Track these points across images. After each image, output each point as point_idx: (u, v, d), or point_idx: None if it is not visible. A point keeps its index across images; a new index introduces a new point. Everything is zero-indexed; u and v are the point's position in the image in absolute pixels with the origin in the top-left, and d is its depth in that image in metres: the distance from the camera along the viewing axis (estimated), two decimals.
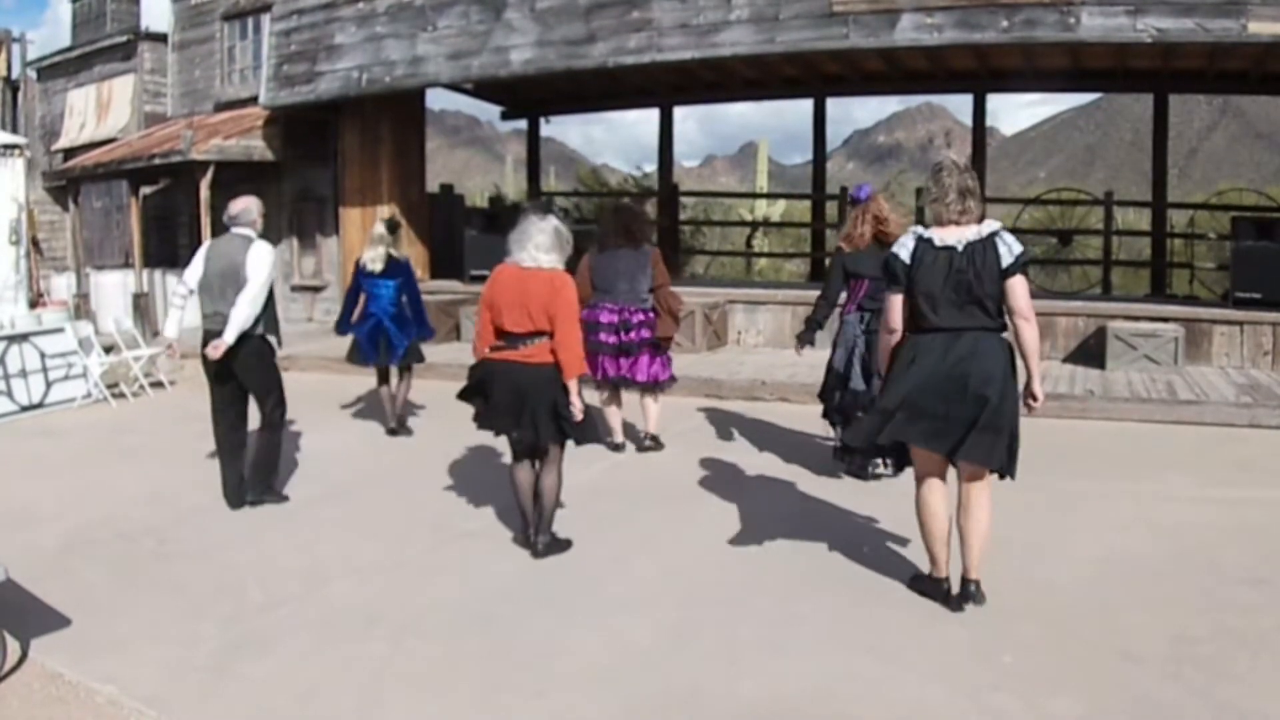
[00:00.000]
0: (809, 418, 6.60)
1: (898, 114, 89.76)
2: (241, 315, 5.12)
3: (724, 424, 7.27)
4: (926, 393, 3.57)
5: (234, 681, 3.26)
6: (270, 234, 15.00)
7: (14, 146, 9.26)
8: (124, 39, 15.38)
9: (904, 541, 4.47)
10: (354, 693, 3.17)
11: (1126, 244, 14.43)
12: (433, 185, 14.94)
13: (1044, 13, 8.13)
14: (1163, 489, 5.41)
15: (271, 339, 5.45)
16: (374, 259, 6.89)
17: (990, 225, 3.65)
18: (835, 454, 5.82)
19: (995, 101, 71.29)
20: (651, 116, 15.56)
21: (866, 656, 3.36)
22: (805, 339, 5.82)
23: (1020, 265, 3.58)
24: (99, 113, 15.78)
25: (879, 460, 5.36)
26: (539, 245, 4.36)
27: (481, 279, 4.69)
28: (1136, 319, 9.07)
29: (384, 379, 7.12)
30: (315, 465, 6.19)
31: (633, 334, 6.21)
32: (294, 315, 13.09)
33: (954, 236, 3.61)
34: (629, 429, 6.57)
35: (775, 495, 5.36)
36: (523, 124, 16.91)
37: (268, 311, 5.34)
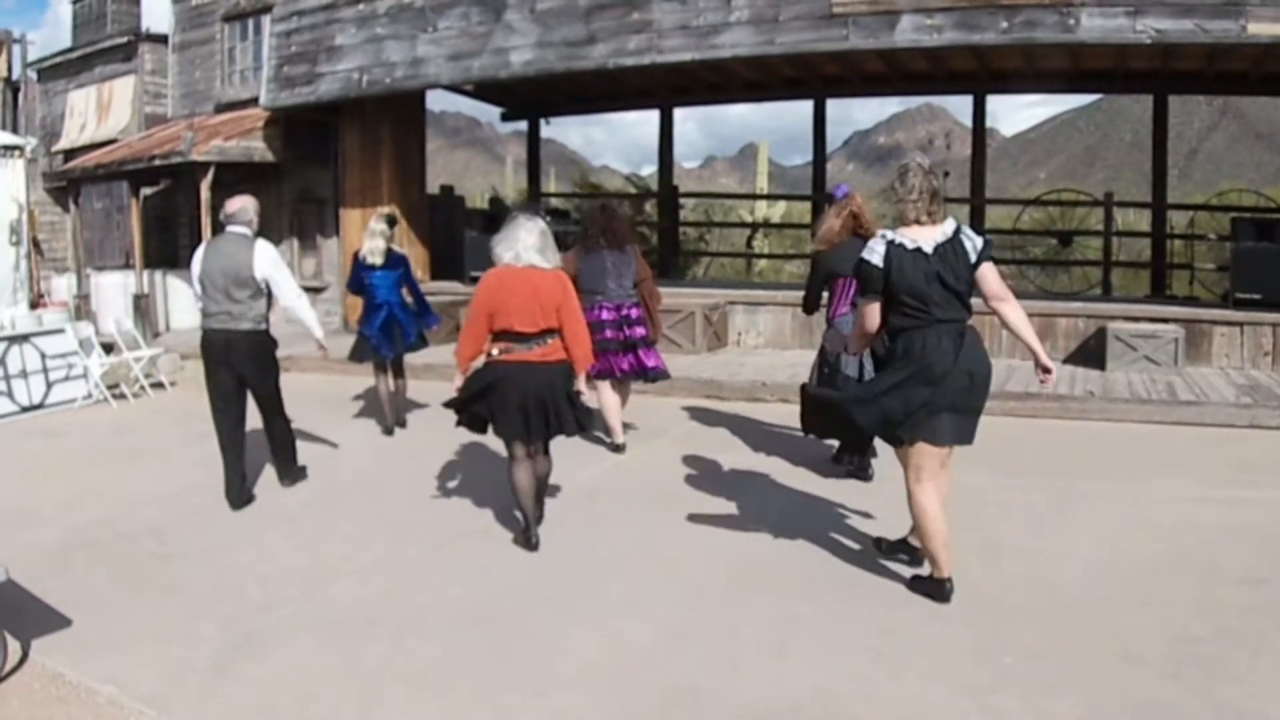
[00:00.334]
0: None
1: (898, 115, 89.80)
2: (305, 313, 5.50)
3: (725, 425, 7.28)
4: (945, 391, 3.66)
5: (234, 681, 3.26)
6: (270, 235, 14.99)
7: (14, 147, 9.26)
8: (124, 40, 15.39)
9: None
10: (354, 693, 3.17)
11: (1126, 245, 14.43)
12: (433, 186, 14.94)
13: (1044, 14, 8.13)
14: (1163, 489, 5.41)
15: (274, 334, 5.53)
16: (373, 251, 6.99)
17: (951, 225, 3.75)
18: (835, 456, 5.83)
19: (995, 102, 71.29)
20: (651, 118, 15.60)
21: (866, 656, 3.36)
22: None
23: (986, 255, 3.71)
24: (99, 114, 15.79)
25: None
26: (531, 246, 4.45)
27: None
28: (1136, 320, 9.07)
29: (382, 371, 7.19)
30: (315, 465, 6.19)
31: (635, 329, 6.32)
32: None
33: (923, 238, 3.69)
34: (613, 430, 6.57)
35: (776, 496, 5.36)
36: (523, 125, 16.92)
37: (269, 307, 5.41)
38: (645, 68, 10.12)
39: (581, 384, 4.57)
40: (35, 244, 10.86)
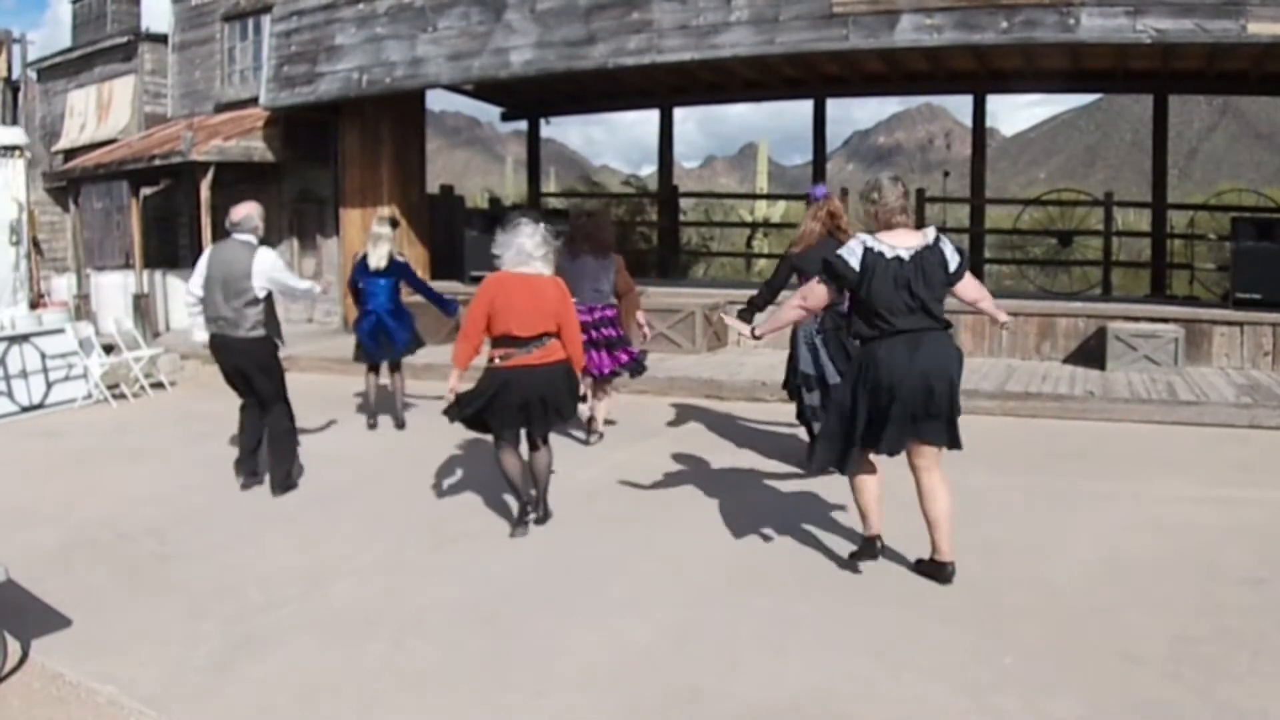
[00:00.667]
0: None
1: (898, 115, 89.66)
2: (299, 290, 5.65)
3: (724, 425, 7.28)
4: (900, 402, 3.78)
5: (234, 681, 3.26)
6: (271, 235, 14.98)
7: (15, 147, 9.26)
8: (124, 40, 15.38)
9: (904, 542, 4.48)
10: (354, 693, 3.17)
11: (1126, 245, 14.43)
12: (433, 186, 14.94)
13: (1044, 13, 8.13)
14: (1163, 489, 5.41)
15: (276, 340, 5.60)
16: (379, 257, 7.07)
17: (932, 232, 3.86)
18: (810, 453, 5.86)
19: (995, 102, 71.23)
20: (651, 117, 15.60)
21: (866, 656, 3.36)
22: (743, 316, 5.87)
23: (965, 267, 3.89)
24: (99, 113, 15.78)
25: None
26: (532, 251, 4.62)
27: (482, 280, 4.79)
28: (1136, 320, 9.07)
29: (372, 371, 7.39)
30: (315, 465, 6.19)
31: (605, 330, 6.55)
32: (294, 316, 13.08)
33: (901, 243, 3.80)
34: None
35: (775, 495, 5.36)
36: (523, 125, 16.92)
37: (270, 313, 5.45)
38: (645, 67, 10.12)
39: (582, 384, 4.87)
40: (35, 244, 10.85)
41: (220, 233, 5.66)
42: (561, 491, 5.23)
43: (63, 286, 13.46)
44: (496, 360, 4.62)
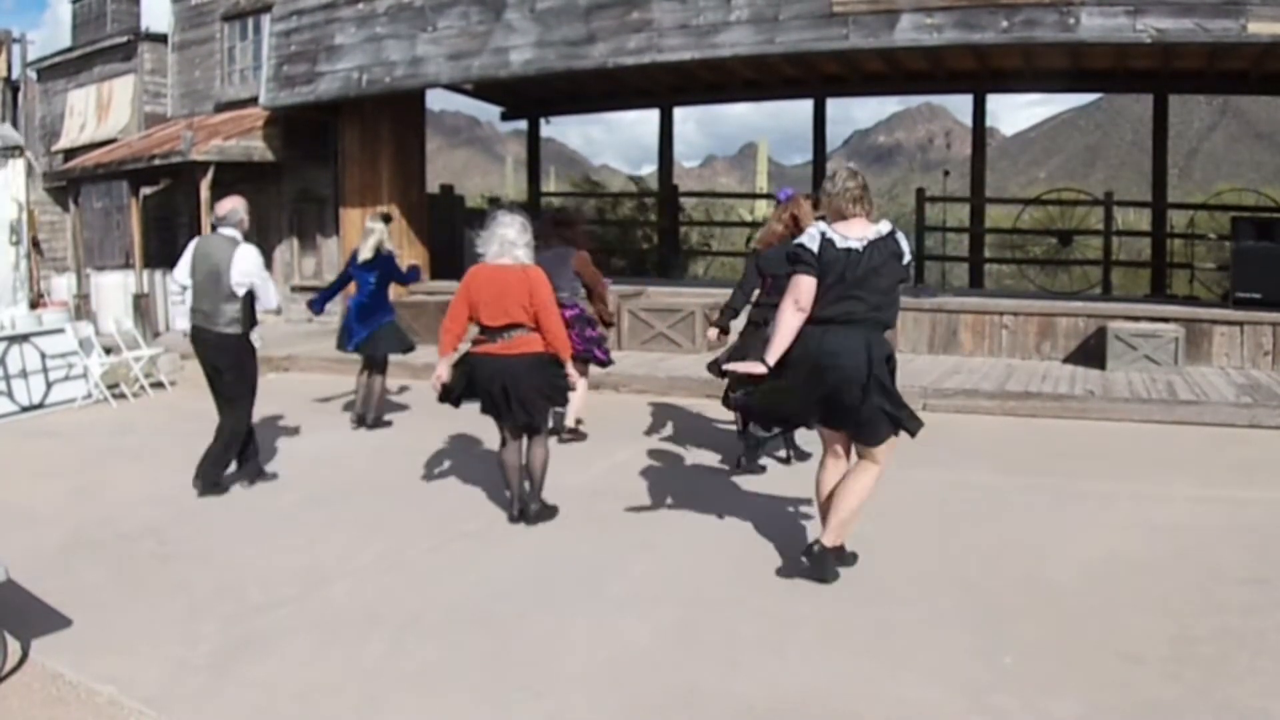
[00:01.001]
0: None
1: (898, 114, 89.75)
2: (270, 299, 5.54)
3: (724, 425, 7.27)
4: (821, 383, 3.82)
5: (234, 681, 3.26)
6: (271, 234, 14.99)
7: (14, 147, 9.26)
8: (124, 39, 15.39)
9: (904, 542, 4.48)
10: (354, 693, 3.17)
11: (1126, 244, 14.44)
12: (433, 186, 14.95)
13: (1044, 13, 8.13)
14: (1163, 489, 5.40)
15: (255, 341, 5.62)
16: (366, 249, 7.25)
17: (886, 225, 3.90)
18: (754, 446, 5.90)
19: (995, 102, 71.34)
20: (651, 117, 15.61)
21: (866, 656, 3.36)
22: (719, 324, 6.05)
23: (910, 265, 3.95)
24: (99, 113, 15.78)
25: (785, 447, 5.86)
26: (508, 241, 4.74)
27: None
28: (1137, 319, 9.07)
29: (365, 368, 7.46)
30: (315, 465, 6.20)
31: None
32: (295, 315, 13.07)
33: (855, 234, 3.84)
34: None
35: (775, 495, 5.36)
36: (523, 124, 16.93)
37: (248, 312, 5.45)
38: (645, 67, 10.13)
39: (569, 368, 4.83)
40: (35, 244, 10.86)
41: (211, 231, 5.68)
42: (562, 491, 5.23)
43: (63, 286, 13.46)
44: (471, 346, 4.81)
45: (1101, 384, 8.05)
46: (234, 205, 5.53)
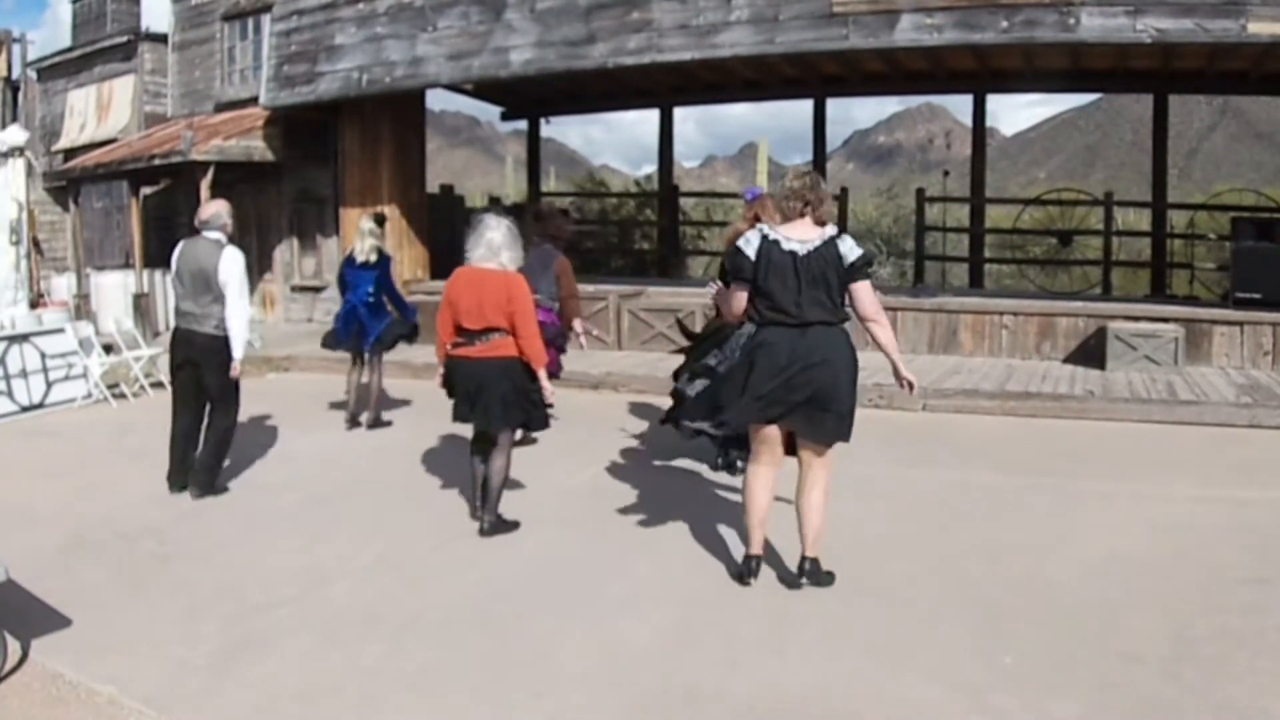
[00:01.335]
0: None
1: (898, 114, 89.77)
2: (239, 328, 5.42)
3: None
4: (778, 383, 3.80)
5: (234, 681, 3.26)
6: (270, 234, 14.98)
7: (15, 147, 9.25)
8: (124, 39, 15.37)
9: (905, 542, 4.48)
10: (354, 693, 3.17)
11: (1126, 244, 14.42)
12: (433, 186, 14.94)
13: (1044, 13, 8.12)
14: (1163, 489, 5.41)
15: (255, 342, 5.58)
16: (366, 250, 7.20)
17: (831, 230, 3.90)
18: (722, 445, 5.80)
19: (995, 102, 71.24)
20: (651, 117, 15.59)
21: (866, 656, 3.36)
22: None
23: (861, 268, 3.85)
24: (99, 113, 15.77)
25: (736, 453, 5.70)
26: (492, 244, 4.69)
27: None
28: (1136, 319, 9.07)
29: (354, 365, 7.41)
30: (314, 465, 6.20)
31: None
32: (294, 315, 13.07)
33: (798, 236, 3.85)
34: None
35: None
36: (523, 124, 16.92)
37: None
38: (645, 67, 10.12)
39: (543, 380, 4.73)
40: (35, 244, 10.84)
41: (195, 234, 5.64)
42: (561, 491, 5.23)
43: (63, 286, 13.45)
44: (449, 348, 4.79)
45: (1101, 384, 8.05)
46: (218, 209, 5.55)
